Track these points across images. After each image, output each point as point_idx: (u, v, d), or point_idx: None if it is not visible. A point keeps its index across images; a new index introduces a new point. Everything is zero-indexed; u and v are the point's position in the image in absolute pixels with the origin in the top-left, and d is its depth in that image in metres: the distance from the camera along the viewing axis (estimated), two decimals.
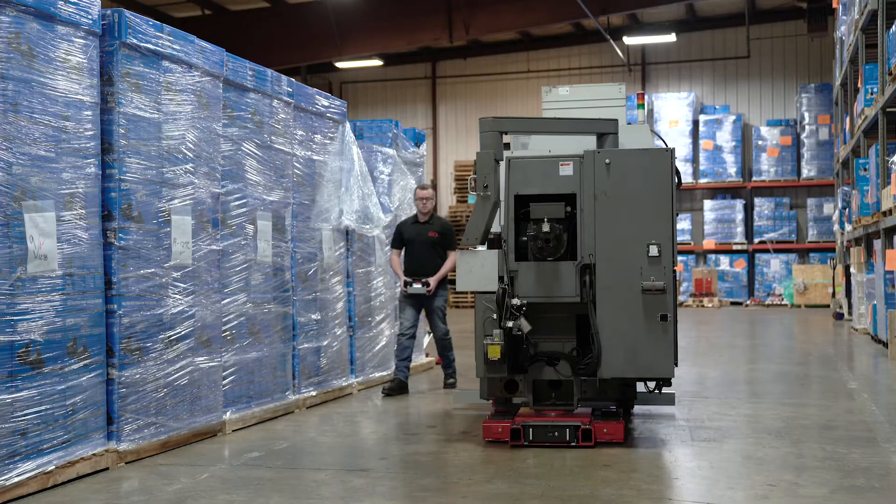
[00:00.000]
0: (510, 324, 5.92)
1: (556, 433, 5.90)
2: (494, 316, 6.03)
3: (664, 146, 6.34)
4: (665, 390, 6.80)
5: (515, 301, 5.95)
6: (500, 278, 6.06)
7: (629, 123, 6.81)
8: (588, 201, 6.09)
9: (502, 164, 6.17)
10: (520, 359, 6.08)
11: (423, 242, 8.54)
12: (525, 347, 6.07)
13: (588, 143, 6.42)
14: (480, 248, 6.16)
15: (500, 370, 5.96)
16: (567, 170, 6.15)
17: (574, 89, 7.03)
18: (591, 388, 6.32)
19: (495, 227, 6.27)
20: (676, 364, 6.20)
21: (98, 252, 5.46)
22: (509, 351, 5.97)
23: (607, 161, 6.09)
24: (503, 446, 5.94)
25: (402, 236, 8.69)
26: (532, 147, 6.77)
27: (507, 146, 6.51)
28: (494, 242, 6.38)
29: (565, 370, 6.16)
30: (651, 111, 24.42)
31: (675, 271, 6.10)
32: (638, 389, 6.68)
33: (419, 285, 8.36)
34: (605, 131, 6.33)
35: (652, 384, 6.70)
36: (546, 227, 6.01)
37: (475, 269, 6.06)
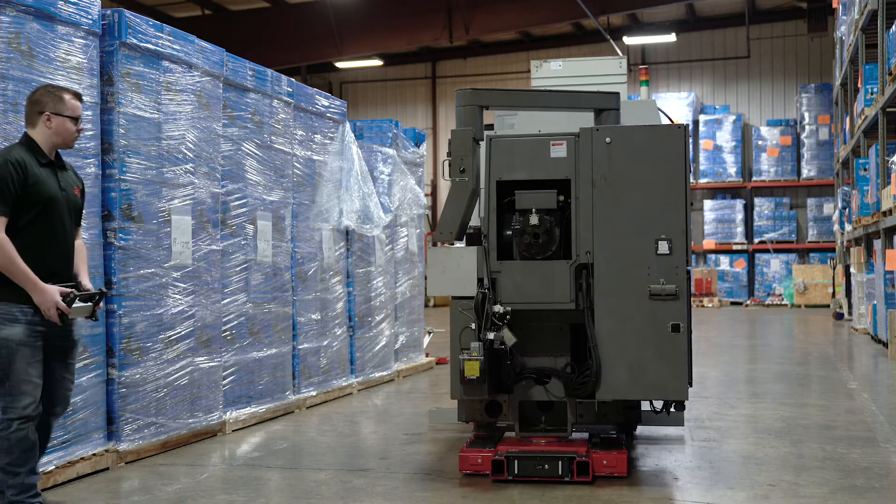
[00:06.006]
0: (491, 335, 5.02)
1: (547, 465, 5.04)
2: (473, 326, 5.09)
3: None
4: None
5: (498, 308, 5.04)
6: (480, 281, 5.13)
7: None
8: (585, 188, 5.10)
9: (483, 145, 5.28)
10: (503, 377, 5.18)
11: (69, 208, 4.41)
12: (509, 363, 5.15)
13: (584, 120, 5.46)
14: (457, 244, 5.30)
15: (479, 390, 5.09)
16: (560, 151, 5.15)
17: (568, 64, 6.17)
18: (587, 411, 5.38)
19: (474, 220, 5.37)
20: (691, 384, 5.19)
21: (98, 252, 5.46)
22: (490, 367, 5.08)
23: (608, 140, 5.09)
24: (484, 480, 5.10)
25: (31, 189, 4.21)
26: (519, 127, 5.90)
27: (489, 127, 5.61)
28: (473, 238, 5.35)
29: (557, 390, 5.26)
30: None
31: (689, 272, 5.14)
32: (642, 408, 5.79)
33: (84, 303, 4.31)
34: (604, 106, 5.41)
35: (659, 404, 5.56)
36: (534, 220, 5.11)
37: (449, 269, 5.12)
